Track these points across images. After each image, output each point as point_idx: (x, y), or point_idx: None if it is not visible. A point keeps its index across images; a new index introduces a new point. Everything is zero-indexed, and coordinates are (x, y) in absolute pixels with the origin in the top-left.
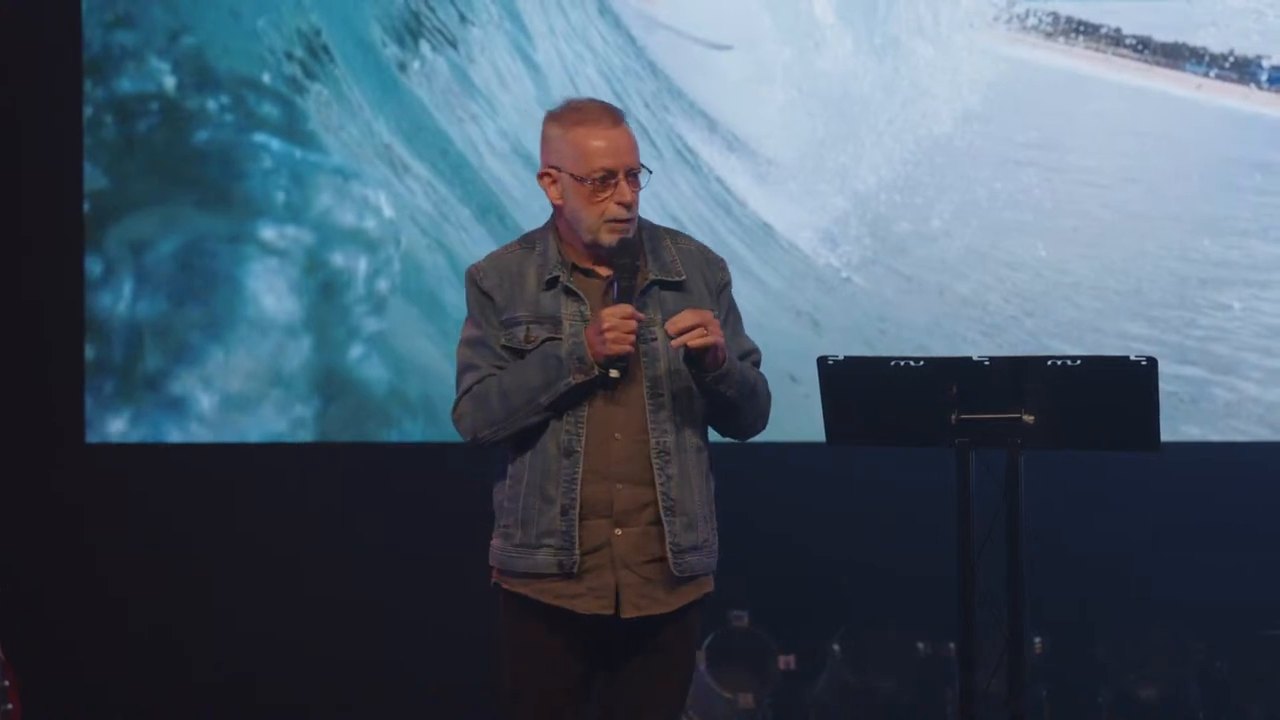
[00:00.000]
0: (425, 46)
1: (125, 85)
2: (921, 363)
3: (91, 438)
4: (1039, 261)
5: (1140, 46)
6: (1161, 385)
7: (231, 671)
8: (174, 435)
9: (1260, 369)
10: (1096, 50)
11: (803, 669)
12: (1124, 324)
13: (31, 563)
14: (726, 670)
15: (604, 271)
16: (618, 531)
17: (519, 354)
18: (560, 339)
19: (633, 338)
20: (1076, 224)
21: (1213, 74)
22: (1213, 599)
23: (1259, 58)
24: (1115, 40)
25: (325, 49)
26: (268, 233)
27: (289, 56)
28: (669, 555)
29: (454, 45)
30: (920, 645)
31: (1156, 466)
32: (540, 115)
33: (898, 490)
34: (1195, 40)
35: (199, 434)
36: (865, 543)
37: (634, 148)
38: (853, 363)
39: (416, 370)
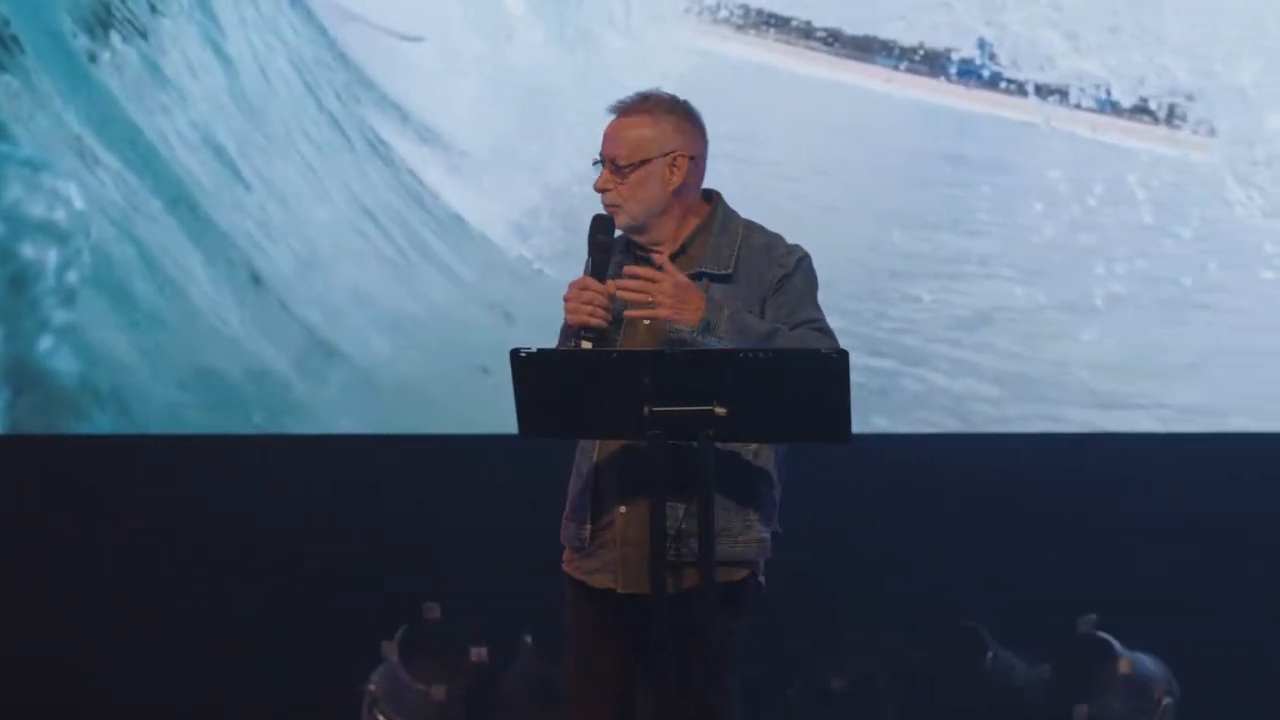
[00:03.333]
0: (116, 37)
1: None
2: (614, 355)
3: None
4: None
5: (831, 40)
6: (852, 377)
7: None
8: None
9: (949, 360)
10: (788, 43)
11: (495, 661)
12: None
13: None
14: (418, 662)
15: (656, 253)
16: (622, 509)
17: None
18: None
19: (593, 309)
20: (767, 216)
21: (903, 67)
22: (905, 591)
23: (948, 50)
24: (806, 33)
25: (14, 39)
26: None
27: None
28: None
29: (144, 36)
30: None
31: (846, 458)
32: (231, 107)
33: None
34: (885, 33)
35: None
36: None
37: (625, 140)
38: (545, 355)
39: (107, 362)
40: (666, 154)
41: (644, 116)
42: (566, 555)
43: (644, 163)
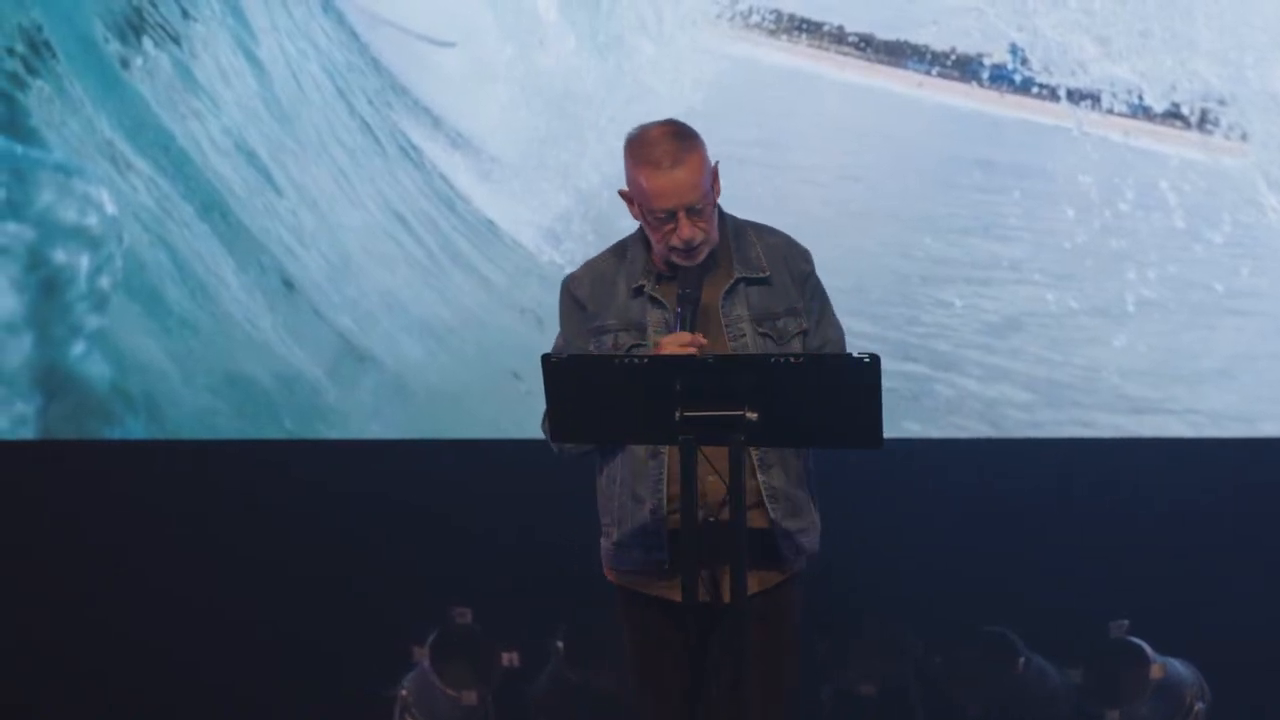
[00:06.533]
0: (148, 42)
1: None
2: (645, 360)
3: None
4: None
5: (863, 44)
6: (884, 382)
7: None
8: None
9: (981, 365)
10: (819, 48)
11: (525, 666)
12: (846, 321)
13: None
14: (449, 667)
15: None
16: (710, 521)
17: None
18: (645, 345)
19: None
20: (797, 222)
21: (934, 72)
22: (937, 596)
23: (980, 55)
24: (838, 38)
25: (47, 45)
26: None
27: (10, 52)
28: (777, 539)
29: (176, 41)
30: None
31: (877, 463)
32: (263, 112)
33: None
34: (917, 38)
35: None
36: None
37: (694, 185)
38: (576, 361)
39: (139, 367)
40: (710, 172)
41: (687, 154)
42: (629, 576)
43: (707, 192)
